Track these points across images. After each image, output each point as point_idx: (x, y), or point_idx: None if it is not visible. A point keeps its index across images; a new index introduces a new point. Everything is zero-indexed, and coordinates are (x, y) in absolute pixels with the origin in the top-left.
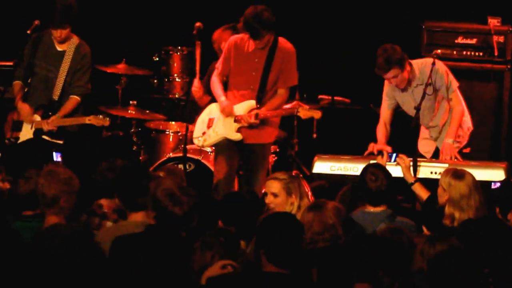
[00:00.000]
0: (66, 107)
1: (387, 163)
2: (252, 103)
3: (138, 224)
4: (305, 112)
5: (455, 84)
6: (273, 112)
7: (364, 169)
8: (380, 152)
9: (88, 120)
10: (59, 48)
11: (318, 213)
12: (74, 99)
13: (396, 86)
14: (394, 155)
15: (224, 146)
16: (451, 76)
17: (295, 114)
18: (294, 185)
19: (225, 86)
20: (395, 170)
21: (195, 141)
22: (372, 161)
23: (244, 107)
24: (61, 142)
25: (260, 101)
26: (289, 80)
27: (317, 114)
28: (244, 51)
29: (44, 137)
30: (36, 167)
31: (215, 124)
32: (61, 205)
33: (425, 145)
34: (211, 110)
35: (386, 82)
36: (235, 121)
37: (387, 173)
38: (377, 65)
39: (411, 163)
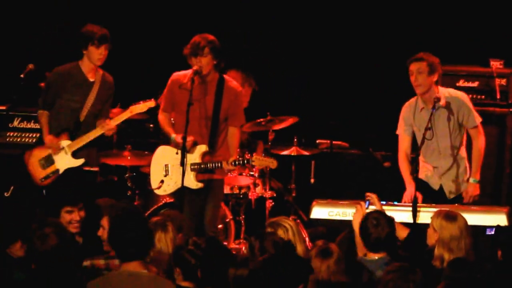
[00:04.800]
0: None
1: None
2: (203, 147)
3: (131, 273)
4: (259, 161)
5: (478, 118)
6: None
7: (366, 216)
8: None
9: (130, 112)
10: (91, 79)
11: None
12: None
13: (414, 86)
14: (367, 202)
15: (182, 192)
16: (474, 110)
17: (250, 164)
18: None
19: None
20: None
21: (156, 191)
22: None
23: (195, 152)
24: (97, 169)
25: (212, 146)
26: (240, 119)
27: (273, 164)
28: (190, 88)
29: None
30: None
31: (171, 172)
32: None
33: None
34: (162, 155)
35: (403, 109)
36: (192, 169)
37: (389, 220)
38: (410, 58)
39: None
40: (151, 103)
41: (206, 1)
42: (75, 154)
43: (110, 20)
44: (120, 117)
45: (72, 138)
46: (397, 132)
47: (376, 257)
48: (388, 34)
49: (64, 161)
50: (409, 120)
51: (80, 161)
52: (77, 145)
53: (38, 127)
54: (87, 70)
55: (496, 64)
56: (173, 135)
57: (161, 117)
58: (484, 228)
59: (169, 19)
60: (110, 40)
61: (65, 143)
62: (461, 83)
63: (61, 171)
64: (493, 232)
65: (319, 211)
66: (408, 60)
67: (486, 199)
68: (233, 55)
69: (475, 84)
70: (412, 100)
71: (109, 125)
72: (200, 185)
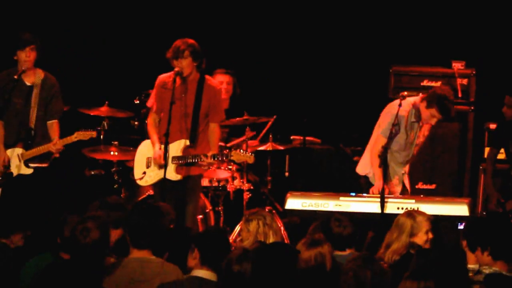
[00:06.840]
0: (55, 132)
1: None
2: (185, 142)
3: (141, 259)
4: (238, 156)
5: None
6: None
7: (328, 219)
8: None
9: (75, 137)
10: (28, 83)
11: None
12: (56, 123)
13: (429, 123)
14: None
15: (161, 185)
16: None
17: (229, 159)
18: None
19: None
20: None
21: (138, 182)
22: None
23: (177, 147)
24: (46, 165)
25: (194, 140)
26: (219, 116)
27: (250, 159)
28: (171, 88)
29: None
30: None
31: (152, 165)
32: None
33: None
34: (146, 149)
35: (393, 115)
36: (173, 162)
37: (351, 220)
38: (450, 112)
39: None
40: (92, 134)
41: (205, 1)
42: (26, 163)
43: (106, 19)
44: (66, 140)
45: (25, 148)
46: (380, 133)
47: (346, 253)
48: (354, 36)
49: (17, 167)
50: (395, 126)
51: (29, 170)
52: (29, 156)
53: None
54: (24, 75)
55: (457, 65)
56: (157, 148)
57: (150, 120)
58: (454, 218)
59: (167, 18)
60: (37, 43)
61: (19, 150)
62: (425, 82)
63: (14, 175)
64: (463, 226)
65: (293, 202)
66: (445, 117)
67: (449, 191)
68: (229, 56)
69: (438, 83)
70: (406, 110)
71: (58, 145)
72: (179, 177)
